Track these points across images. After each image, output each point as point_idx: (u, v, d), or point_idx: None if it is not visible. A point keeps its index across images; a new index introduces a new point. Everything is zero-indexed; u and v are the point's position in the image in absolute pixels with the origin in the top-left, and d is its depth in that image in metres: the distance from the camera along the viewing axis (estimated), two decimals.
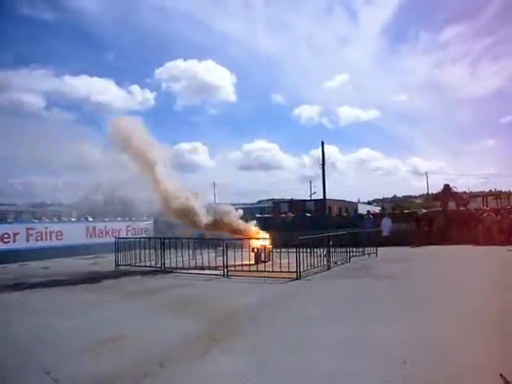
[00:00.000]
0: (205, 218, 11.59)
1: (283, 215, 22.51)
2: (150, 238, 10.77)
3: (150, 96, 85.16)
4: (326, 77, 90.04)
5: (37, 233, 14.83)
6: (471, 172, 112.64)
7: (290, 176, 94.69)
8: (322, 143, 30.08)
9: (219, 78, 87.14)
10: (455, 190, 22.70)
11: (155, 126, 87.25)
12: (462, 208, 19.31)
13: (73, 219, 18.11)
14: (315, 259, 9.78)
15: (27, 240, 14.50)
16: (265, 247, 11.44)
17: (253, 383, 3.26)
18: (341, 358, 3.78)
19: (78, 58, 69.23)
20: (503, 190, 33.65)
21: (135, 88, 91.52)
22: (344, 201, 40.64)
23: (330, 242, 10.76)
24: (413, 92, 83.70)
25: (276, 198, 49.10)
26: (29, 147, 11.86)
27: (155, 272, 10.31)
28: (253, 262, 10.59)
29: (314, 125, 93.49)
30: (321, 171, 28.90)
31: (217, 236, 11.66)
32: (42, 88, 71.83)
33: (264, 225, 14.50)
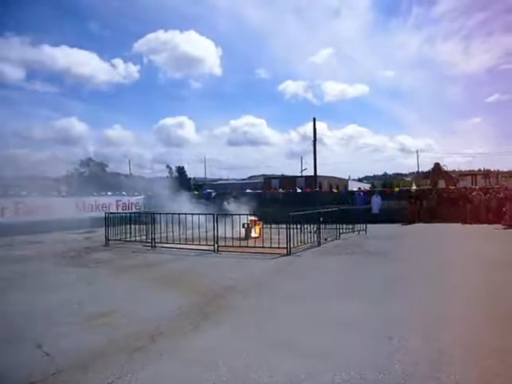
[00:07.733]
0: None
1: (274, 191, 22.59)
2: (140, 213, 10.67)
3: (133, 69, 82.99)
4: (312, 51, 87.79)
5: (26, 207, 14.55)
6: (458, 150, 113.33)
7: (277, 152, 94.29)
8: (314, 120, 29.94)
9: (203, 50, 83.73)
10: (445, 168, 22.86)
11: (141, 99, 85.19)
12: (451, 187, 19.52)
13: (63, 194, 17.82)
14: (305, 235, 9.85)
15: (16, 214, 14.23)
16: (255, 223, 11.50)
17: (242, 356, 3.31)
18: (330, 334, 3.85)
19: (57, 27, 65.80)
20: (492, 170, 34.12)
21: (118, 61, 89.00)
22: (334, 177, 40.85)
23: (321, 219, 10.84)
24: (402, 68, 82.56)
25: (267, 173, 49.06)
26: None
27: (145, 247, 10.30)
28: (243, 237, 10.64)
29: (299, 100, 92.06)
30: (309, 147, 28.94)
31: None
32: (20, 58, 68.99)
33: (255, 201, 14.58)
